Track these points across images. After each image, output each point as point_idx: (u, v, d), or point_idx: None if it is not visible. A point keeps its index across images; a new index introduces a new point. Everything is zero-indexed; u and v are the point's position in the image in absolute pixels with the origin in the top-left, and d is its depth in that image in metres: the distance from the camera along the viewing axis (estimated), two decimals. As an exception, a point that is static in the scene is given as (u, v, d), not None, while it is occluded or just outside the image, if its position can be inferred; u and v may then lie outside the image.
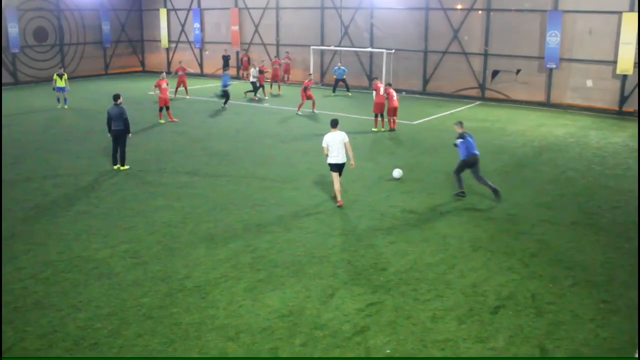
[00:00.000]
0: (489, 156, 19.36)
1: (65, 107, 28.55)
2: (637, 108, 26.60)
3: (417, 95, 32.49)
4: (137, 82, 39.02)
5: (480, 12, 30.95)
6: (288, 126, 24.43)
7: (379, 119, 23.60)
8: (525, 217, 13.76)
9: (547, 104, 29.33)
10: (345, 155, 14.55)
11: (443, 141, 21.52)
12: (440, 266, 11.01)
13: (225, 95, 28.10)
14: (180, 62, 34.68)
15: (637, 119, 25.88)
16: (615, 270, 10.90)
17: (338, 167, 14.58)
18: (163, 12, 44.29)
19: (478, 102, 30.55)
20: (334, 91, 33.69)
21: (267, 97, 31.10)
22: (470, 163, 15.09)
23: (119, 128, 17.36)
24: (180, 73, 31.95)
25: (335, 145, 14.49)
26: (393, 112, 23.35)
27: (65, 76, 28.68)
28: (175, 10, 43.94)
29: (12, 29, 37.28)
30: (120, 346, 8.41)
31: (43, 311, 9.41)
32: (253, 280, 10.43)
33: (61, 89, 28.50)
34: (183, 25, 43.76)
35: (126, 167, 17.65)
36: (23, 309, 9.47)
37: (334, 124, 14.62)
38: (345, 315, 9.18)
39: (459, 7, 31.64)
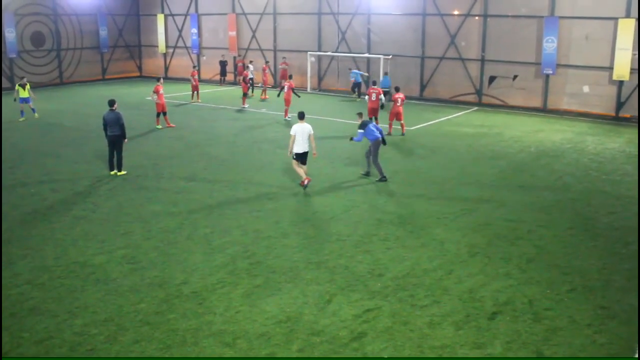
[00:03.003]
0: (485, 162, 19.42)
1: (36, 116, 27.08)
2: (636, 114, 26.64)
3: (414, 101, 32.53)
4: (135, 88, 39.00)
5: (477, 17, 31.04)
6: (284, 132, 24.40)
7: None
8: (523, 222, 13.77)
9: (543, 110, 29.41)
10: (308, 145, 16.16)
11: (440, 147, 21.56)
12: (438, 272, 11.01)
13: None
14: (195, 67, 34.91)
15: (634, 124, 25.97)
16: (612, 276, 10.91)
17: (301, 156, 16.18)
18: (160, 18, 44.33)
19: (475, 108, 30.61)
20: (354, 91, 33.94)
21: (247, 106, 30.76)
22: (377, 145, 16.86)
23: (115, 133, 17.32)
24: (195, 77, 32.17)
25: (301, 136, 16.01)
26: (394, 116, 23.35)
27: (28, 86, 27.09)
28: (172, 15, 43.98)
29: (9, 34, 37.31)
30: (117, 352, 8.39)
31: (39, 317, 9.38)
32: (250, 286, 10.41)
33: (25, 100, 26.83)
34: (180, 31, 43.79)
35: (123, 172, 17.61)
36: (19, 315, 9.44)
37: (301, 116, 16.33)
38: (342, 321, 9.17)
39: (455, 12, 31.72)
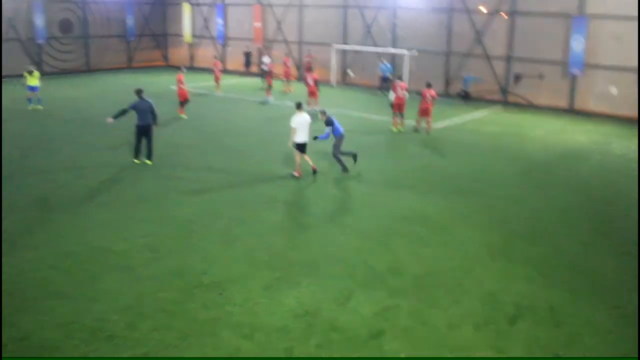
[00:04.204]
0: (509, 161, 19.24)
1: (40, 107, 26.26)
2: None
3: (438, 98, 32.24)
4: (160, 76, 39.20)
5: (504, 14, 30.69)
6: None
7: (398, 118, 23.52)
8: (543, 222, 13.65)
9: (569, 110, 29.01)
10: (308, 135, 16.57)
11: (464, 145, 21.41)
12: (458, 272, 10.95)
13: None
14: (215, 57, 35.08)
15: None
16: (635, 281, 10.76)
17: (302, 146, 16.54)
18: (187, 7, 44.46)
19: (500, 106, 30.31)
20: (380, 90, 33.10)
21: (271, 98, 30.68)
22: (341, 140, 17.19)
23: (148, 122, 17.41)
24: (218, 68, 32.39)
25: (302, 126, 16.34)
26: (422, 112, 23.21)
27: (37, 74, 26.40)
28: (198, 5, 44.10)
29: (39, 20, 37.66)
30: (136, 339, 8.47)
31: (61, 301, 9.52)
32: (269, 278, 10.44)
33: (33, 88, 26.05)
34: (206, 21, 43.91)
35: (151, 162, 17.70)
36: (42, 299, 9.59)
37: (299, 106, 16.72)
38: (361, 318, 9.16)
39: (482, 9, 31.41)
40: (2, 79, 26.35)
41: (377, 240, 12.37)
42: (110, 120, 17.51)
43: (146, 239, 12.10)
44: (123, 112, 17.33)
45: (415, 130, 23.40)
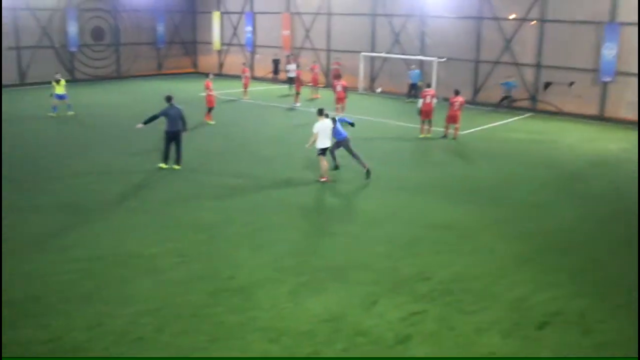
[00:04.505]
0: (538, 169, 19.05)
1: (71, 113, 26.67)
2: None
3: (467, 105, 32.06)
4: (189, 83, 39.61)
5: (533, 22, 30.46)
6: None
7: (425, 125, 23.48)
8: (574, 232, 13.48)
9: (600, 118, 28.64)
10: (330, 141, 16.85)
11: (492, 152, 21.27)
12: (486, 278, 10.86)
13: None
14: (244, 64, 35.41)
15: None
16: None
17: (325, 152, 16.77)
18: (216, 15, 44.94)
19: (529, 114, 30.04)
20: (408, 97, 33.25)
21: (299, 104, 30.78)
22: (341, 145, 17.47)
23: (177, 129, 17.60)
24: (246, 74, 32.68)
25: (324, 132, 16.55)
26: (451, 119, 23.15)
27: (63, 82, 26.63)
28: (228, 13, 44.53)
29: (72, 28, 38.43)
30: (165, 342, 8.55)
31: (92, 303, 9.64)
32: (296, 283, 10.47)
33: (60, 96, 26.38)
34: (235, 29, 44.31)
35: (179, 167, 17.88)
36: (72, 301, 9.71)
37: (321, 112, 16.82)
38: (387, 323, 9.13)
39: (512, 17, 31.21)
40: (36, 86, 26.59)
41: (404, 246, 12.34)
42: (140, 126, 17.75)
43: (174, 244, 12.22)
44: (153, 118, 17.55)
45: (444, 136, 23.33)
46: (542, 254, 12.13)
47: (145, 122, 17.61)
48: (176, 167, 17.82)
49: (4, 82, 35.37)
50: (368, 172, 17.17)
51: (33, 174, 17.26)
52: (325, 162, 16.91)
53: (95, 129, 24.13)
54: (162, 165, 17.82)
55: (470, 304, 9.82)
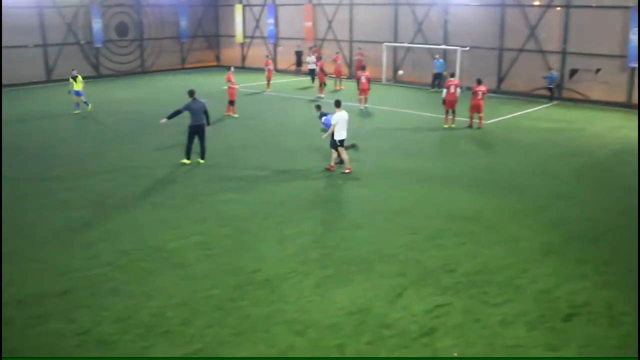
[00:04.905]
0: (564, 158, 18.83)
1: (89, 108, 26.73)
2: None
3: (491, 94, 31.77)
4: (212, 77, 39.80)
5: (558, 8, 30.02)
6: (357, 122, 24.39)
7: (450, 115, 23.33)
8: (601, 222, 13.30)
9: (628, 105, 28.13)
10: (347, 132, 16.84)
11: (517, 141, 21.07)
12: (511, 270, 10.78)
13: None
14: (267, 56, 35.49)
15: None
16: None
17: (343, 143, 16.75)
18: (238, 8, 45.00)
19: (555, 102, 29.66)
20: (432, 87, 33.12)
21: (323, 96, 30.63)
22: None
23: (201, 122, 17.68)
24: (269, 67, 32.72)
25: (342, 123, 16.63)
26: (474, 109, 23.00)
27: (80, 78, 26.61)
28: (250, 5, 44.58)
29: (96, 24, 38.78)
30: (191, 335, 8.64)
31: (118, 297, 9.78)
32: (321, 276, 10.50)
33: (77, 93, 26.45)
34: (258, 21, 44.35)
35: (204, 161, 17.96)
36: (100, 295, 9.87)
37: (339, 104, 16.93)
38: (412, 316, 9.13)
39: (536, 3, 30.79)
40: (62, 82, 26.81)
41: (429, 237, 12.29)
42: (164, 120, 17.85)
43: (199, 237, 12.32)
44: (177, 113, 17.63)
45: (469, 126, 23.16)
46: (567, 244, 12.01)
47: (169, 117, 17.70)
48: (201, 161, 17.92)
49: (31, 79, 36.05)
50: (328, 170, 17.28)
51: (58, 170, 17.51)
52: (344, 154, 16.93)
53: (119, 125, 24.36)
54: (185, 161, 17.86)
55: (495, 296, 9.77)
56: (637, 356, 8.18)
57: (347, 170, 16.83)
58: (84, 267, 10.94)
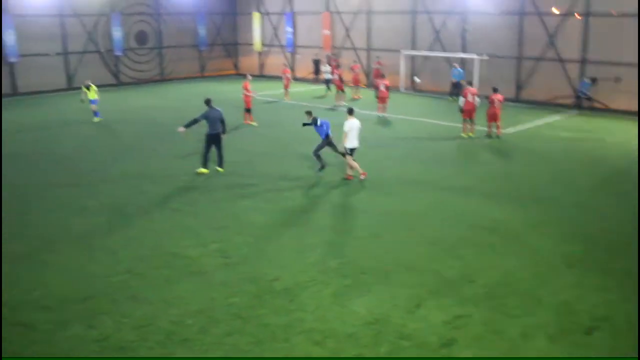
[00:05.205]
0: (584, 168, 18.67)
1: (95, 119, 26.71)
2: None
3: (510, 103, 31.62)
4: (230, 85, 40.02)
5: (578, 16, 29.81)
6: (376, 131, 24.40)
7: (468, 124, 23.25)
8: (623, 233, 13.13)
9: (649, 114, 27.85)
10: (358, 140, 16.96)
11: (537, 151, 20.93)
12: (532, 281, 10.69)
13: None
14: (285, 64, 35.65)
15: None
16: None
17: (354, 151, 16.92)
18: (257, 16, 45.25)
19: (574, 111, 29.42)
20: (451, 96, 32.89)
21: (344, 104, 30.39)
22: (329, 142, 17.57)
23: (218, 131, 17.75)
24: (287, 75, 33.00)
25: (354, 131, 16.73)
26: (491, 118, 22.92)
27: (94, 87, 26.88)
28: (268, 14, 44.80)
29: (116, 33, 39.20)
30: (210, 343, 8.66)
31: (138, 304, 9.84)
32: (340, 285, 10.48)
33: (93, 102, 26.70)
34: (276, 29, 44.55)
35: (222, 169, 18.02)
36: (120, 301, 9.93)
37: (351, 111, 17.10)
38: (431, 327, 9.08)
39: (555, 11, 30.61)
40: (80, 90, 27.16)
41: (448, 248, 12.23)
42: (182, 129, 17.91)
43: (218, 245, 12.37)
44: (194, 122, 17.68)
45: (488, 136, 23.06)
46: (589, 256, 11.88)
47: (187, 126, 17.74)
48: (219, 169, 17.99)
49: (52, 86, 36.55)
50: (322, 168, 17.66)
51: (78, 177, 17.69)
52: (354, 162, 17.09)
53: (138, 132, 24.55)
54: (202, 170, 17.82)
55: (516, 307, 9.69)
56: (637, 356, 8.10)
57: (362, 176, 17.01)
58: (104, 273, 11.04)
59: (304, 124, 18.12)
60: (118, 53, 39.75)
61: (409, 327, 9.06)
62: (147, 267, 11.30)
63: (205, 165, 17.92)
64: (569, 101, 30.42)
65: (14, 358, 8.47)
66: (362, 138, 21.39)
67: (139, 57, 41.54)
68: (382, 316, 9.39)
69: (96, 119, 26.73)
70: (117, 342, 8.72)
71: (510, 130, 24.27)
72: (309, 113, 17.88)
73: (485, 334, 8.88)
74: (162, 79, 42.76)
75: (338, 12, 40.36)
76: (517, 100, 31.94)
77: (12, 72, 35.53)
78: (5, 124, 25.75)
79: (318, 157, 17.69)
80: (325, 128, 17.59)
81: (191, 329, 9.07)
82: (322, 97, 34.00)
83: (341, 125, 17.22)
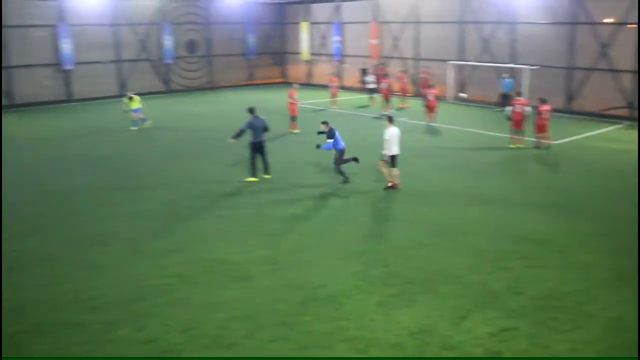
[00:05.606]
0: (635, 181, 18.15)
1: (148, 124, 27.50)
2: None
3: (560, 114, 31.05)
4: (278, 93, 40.31)
5: (632, 26, 29.13)
6: (424, 140, 24.28)
7: (517, 135, 22.95)
8: (678, 249, 12.77)
9: None
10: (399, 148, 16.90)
11: (586, 163, 20.51)
12: (581, 295, 10.48)
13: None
14: (332, 73, 35.89)
15: None
16: None
17: (394, 159, 16.84)
18: (304, 26, 45.59)
19: (627, 123, 28.71)
20: (499, 107, 31.86)
21: (393, 112, 30.25)
22: (343, 153, 17.64)
23: (261, 139, 17.99)
24: (334, 84, 33.19)
25: (395, 139, 16.70)
26: (540, 129, 22.59)
27: (137, 98, 27.40)
28: (316, 23, 45.11)
29: (167, 42, 40.12)
30: (255, 349, 8.77)
31: (185, 308, 10.03)
32: (385, 294, 10.47)
33: (136, 110, 27.21)
34: (324, 38, 44.81)
35: (269, 176, 18.21)
36: (168, 305, 10.14)
37: (391, 119, 17.04)
38: (477, 339, 8.99)
39: (608, 21, 29.97)
40: (131, 97, 27.77)
41: (494, 259, 12.09)
42: (231, 140, 18.24)
43: (264, 251, 12.51)
44: (241, 132, 17.99)
45: (537, 147, 22.69)
46: (641, 271, 11.58)
47: (235, 137, 18.09)
48: (266, 176, 18.18)
49: (105, 93, 37.59)
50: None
51: (128, 181, 18.16)
52: (386, 169, 17.14)
53: (187, 139, 25.00)
54: (251, 179, 18.00)
55: (564, 322, 9.51)
56: (637, 356, 7.90)
57: (395, 185, 17.02)
58: (153, 276, 11.30)
59: (319, 132, 18.25)
60: (168, 61, 40.64)
61: (455, 339, 8.99)
62: (195, 272, 11.50)
63: (253, 174, 18.12)
64: (622, 112, 29.72)
65: (14, 358, 8.67)
66: (409, 147, 21.34)
67: (189, 65, 42.38)
68: (427, 327, 9.34)
69: (136, 128, 27.22)
70: (164, 344, 8.90)
71: (561, 141, 23.84)
72: (325, 123, 17.99)
73: (531, 348, 8.74)
74: (211, 86, 43.45)
75: (386, 22, 40.36)
76: (567, 111, 31.33)
77: (68, 79, 36.66)
78: (61, 130, 26.68)
79: (340, 171, 17.86)
80: (339, 140, 17.65)
81: (237, 333, 9.18)
82: (365, 106, 33.97)
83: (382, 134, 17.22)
